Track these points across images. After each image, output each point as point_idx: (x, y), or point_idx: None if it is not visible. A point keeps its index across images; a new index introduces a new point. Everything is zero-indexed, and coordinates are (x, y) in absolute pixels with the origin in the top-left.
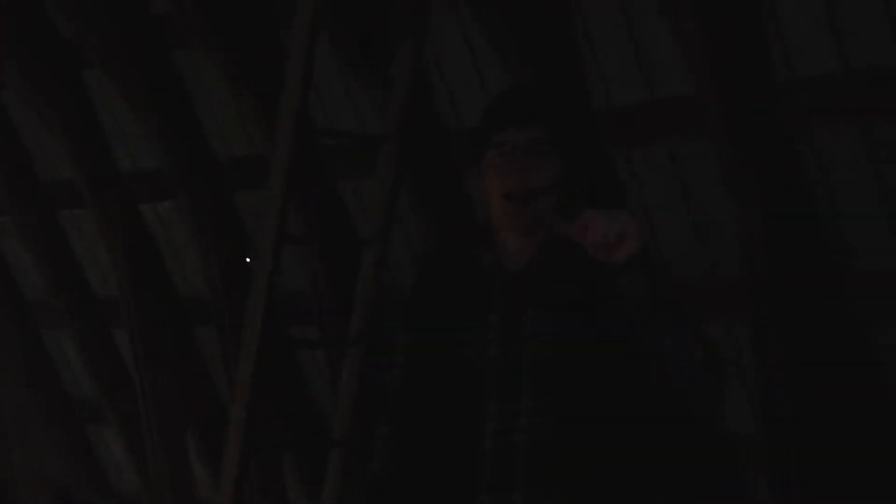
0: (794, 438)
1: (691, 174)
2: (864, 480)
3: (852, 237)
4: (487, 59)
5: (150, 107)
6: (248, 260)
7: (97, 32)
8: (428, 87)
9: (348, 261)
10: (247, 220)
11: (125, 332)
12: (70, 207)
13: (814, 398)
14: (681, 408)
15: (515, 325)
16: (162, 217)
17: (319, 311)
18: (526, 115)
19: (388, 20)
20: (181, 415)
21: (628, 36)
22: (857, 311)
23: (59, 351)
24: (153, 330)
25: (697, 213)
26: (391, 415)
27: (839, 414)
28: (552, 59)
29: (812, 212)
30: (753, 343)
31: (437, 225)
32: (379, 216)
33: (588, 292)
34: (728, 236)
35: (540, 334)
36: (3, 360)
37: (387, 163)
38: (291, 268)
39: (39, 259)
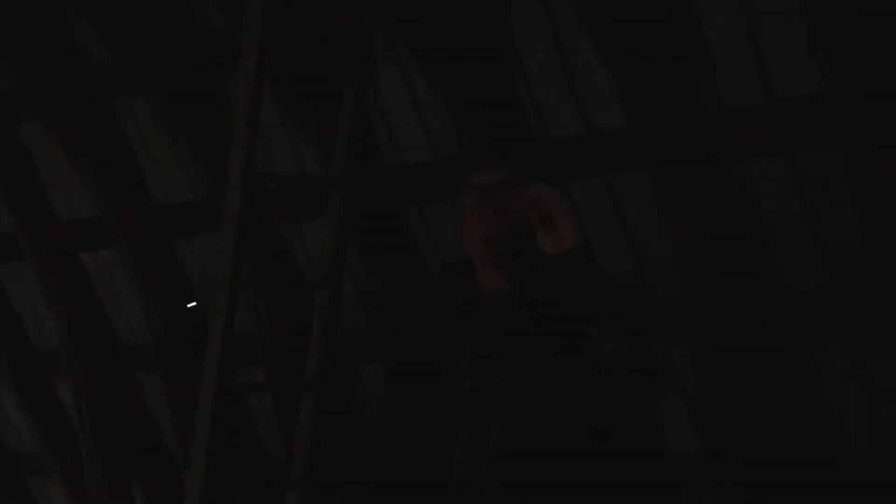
0: (736, 455)
1: (628, 203)
2: (799, 493)
3: (782, 261)
4: (427, 97)
5: (87, 154)
6: (189, 306)
7: (32, 82)
8: (368, 126)
9: (294, 304)
10: (187, 266)
11: (66, 383)
12: (8, 259)
13: (751, 415)
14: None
15: (489, 358)
16: (101, 265)
17: (266, 355)
18: (491, 161)
19: (330, 65)
20: (126, 464)
21: (564, 73)
22: (788, 333)
23: None
24: (95, 379)
25: (635, 240)
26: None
27: (774, 431)
28: (490, 96)
29: (742, 236)
30: (694, 362)
31: (380, 263)
32: (328, 258)
33: (557, 330)
34: (665, 262)
35: (511, 368)
36: None
37: (336, 205)
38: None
39: None
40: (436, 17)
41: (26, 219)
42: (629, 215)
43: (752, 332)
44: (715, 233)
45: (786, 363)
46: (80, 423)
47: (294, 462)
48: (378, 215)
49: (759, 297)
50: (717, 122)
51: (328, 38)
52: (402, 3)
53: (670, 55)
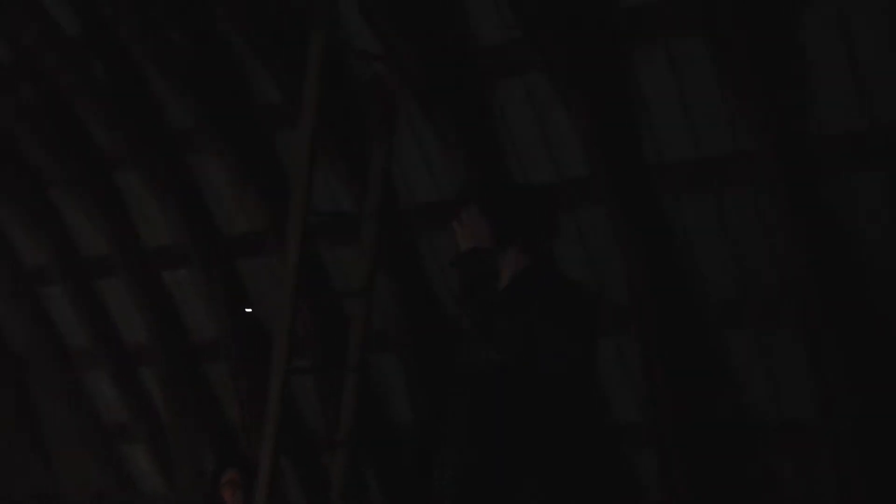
0: (676, 428)
1: (590, 234)
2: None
3: (708, 277)
4: (432, 148)
5: (171, 197)
6: (246, 310)
7: (128, 141)
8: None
9: (330, 310)
10: (247, 281)
11: (152, 370)
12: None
13: (686, 394)
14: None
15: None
16: (179, 281)
17: (313, 347)
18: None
19: (360, 128)
20: (197, 432)
21: (540, 130)
22: (710, 324)
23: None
24: (174, 367)
25: (593, 259)
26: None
27: (704, 406)
28: (481, 147)
29: (677, 257)
30: (640, 353)
31: (397, 281)
32: (363, 275)
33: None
34: (617, 276)
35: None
36: (50, 399)
37: (369, 234)
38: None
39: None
40: (442, 97)
41: (118, 243)
42: (590, 242)
43: (683, 324)
44: (658, 257)
45: (708, 345)
46: (162, 400)
47: (341, 428)
48: (395, 241)
49: (687, 297)
50: (656, 171)
51: (360, 109)
52: (416, 81)
53: (620, 113)
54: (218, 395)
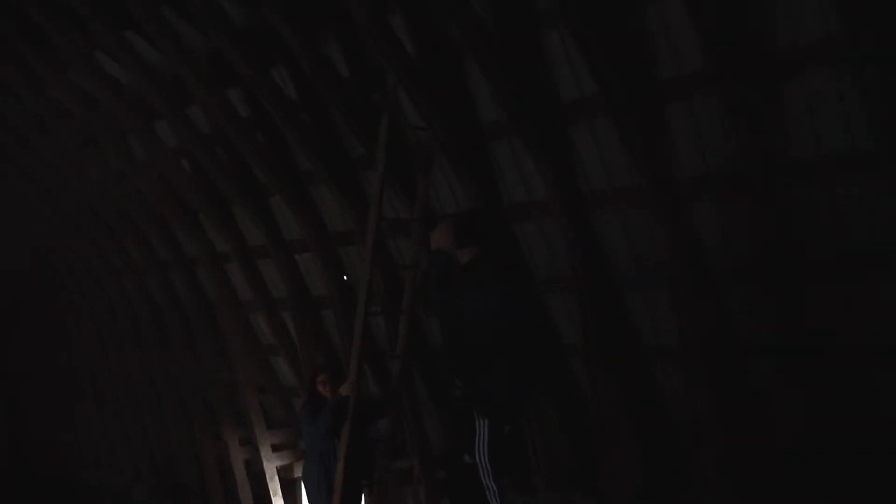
0: (602, 349)
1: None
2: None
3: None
4: (454, 181)
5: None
6: (344, 277)
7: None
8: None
9: (396, 277)
10: (345, 261)
11: (288, 315)
12: None
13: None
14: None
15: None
16: (305, 262)
17: (383, 298)
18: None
19: (409, 165)
20: (314, 354)
21: (518, 173)
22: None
23: None
24: (305, 315)
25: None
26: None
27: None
28: (482, 182)
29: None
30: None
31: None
32: (414, 255)
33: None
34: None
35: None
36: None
37: (415, 233)
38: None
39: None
40: (459, 152)
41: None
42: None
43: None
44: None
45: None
46: (296, 333)
47: (398, 345)
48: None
49: (605, 279)
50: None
51: (410, 158)
52: (443, 142)
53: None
54: (328, 329)
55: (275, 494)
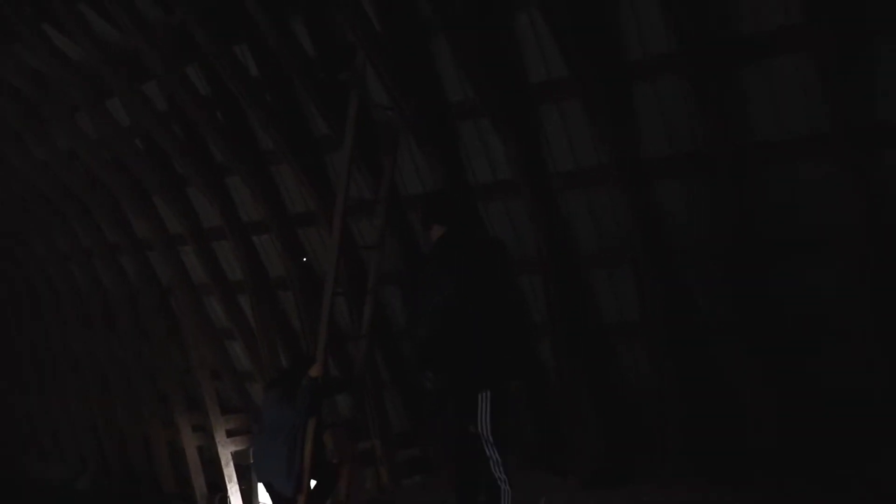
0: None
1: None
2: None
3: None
4: (419, 160)
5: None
6: (303, 259)
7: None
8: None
9: (356, 258)
10: (304, 241)
11: (245, 298)
12: None
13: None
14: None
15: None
16: (263, 242)
17: (343, 278)
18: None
19: (378, 148)
20: (274, 337)
21: (482, 146)
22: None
23: None
24: (260, 297)
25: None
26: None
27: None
28: (447, 159)
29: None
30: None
31: (398, 240)
32: (377, 236)
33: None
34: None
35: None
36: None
37: (381, 211)
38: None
39: None
40: (425, 131)
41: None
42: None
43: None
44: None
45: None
46: (252, 317)
47: (363, 325)
48: (398, 215)
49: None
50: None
51: (377, 138)
52: (410, 121)
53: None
54: (286, 311)
55: (230, 480)
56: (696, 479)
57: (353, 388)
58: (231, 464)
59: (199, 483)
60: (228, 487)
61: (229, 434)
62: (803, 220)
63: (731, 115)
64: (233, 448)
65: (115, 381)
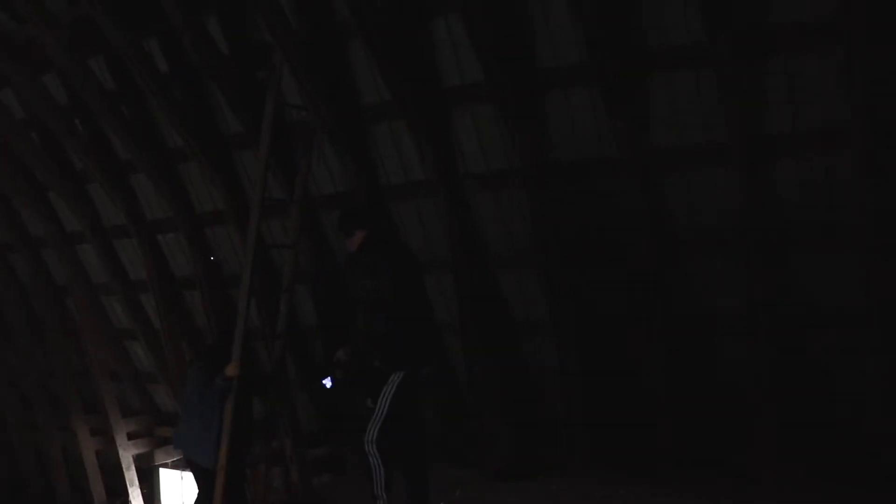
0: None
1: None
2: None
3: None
4: (332, 161)
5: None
6: (211, 258)
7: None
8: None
9: (265, 254)
10: (212, 241)
11: (148, 296)
12: None
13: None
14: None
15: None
16: (168, 242)
17: (260, 278)
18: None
19: (293, 148)
20: (179, 333)
21: (395, 149)
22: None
23: None
24: (170, 295)
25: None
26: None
27: None
28: (361, 162)
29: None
30: (455, 287)
31: (311, 241)
32: (293, 235)
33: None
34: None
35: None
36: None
37: (296, 211)
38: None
39: None
40: (339, 133)
41: None
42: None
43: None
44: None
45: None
46: (157, 317)
47: (279, 324)
48: (311, 216)
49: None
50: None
51: (292, 138)
52: (325, 123)
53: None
54: (191, 310)
55: (131, 484)
56: (604, 472)
57: (270, 388)
58: (133, 467)
59: (97, 489)
60: (130, 492)
61: (130, 437)
62: (702, 220)
63: (638, 120)
64: (135, 451)
65: (2, 385)
